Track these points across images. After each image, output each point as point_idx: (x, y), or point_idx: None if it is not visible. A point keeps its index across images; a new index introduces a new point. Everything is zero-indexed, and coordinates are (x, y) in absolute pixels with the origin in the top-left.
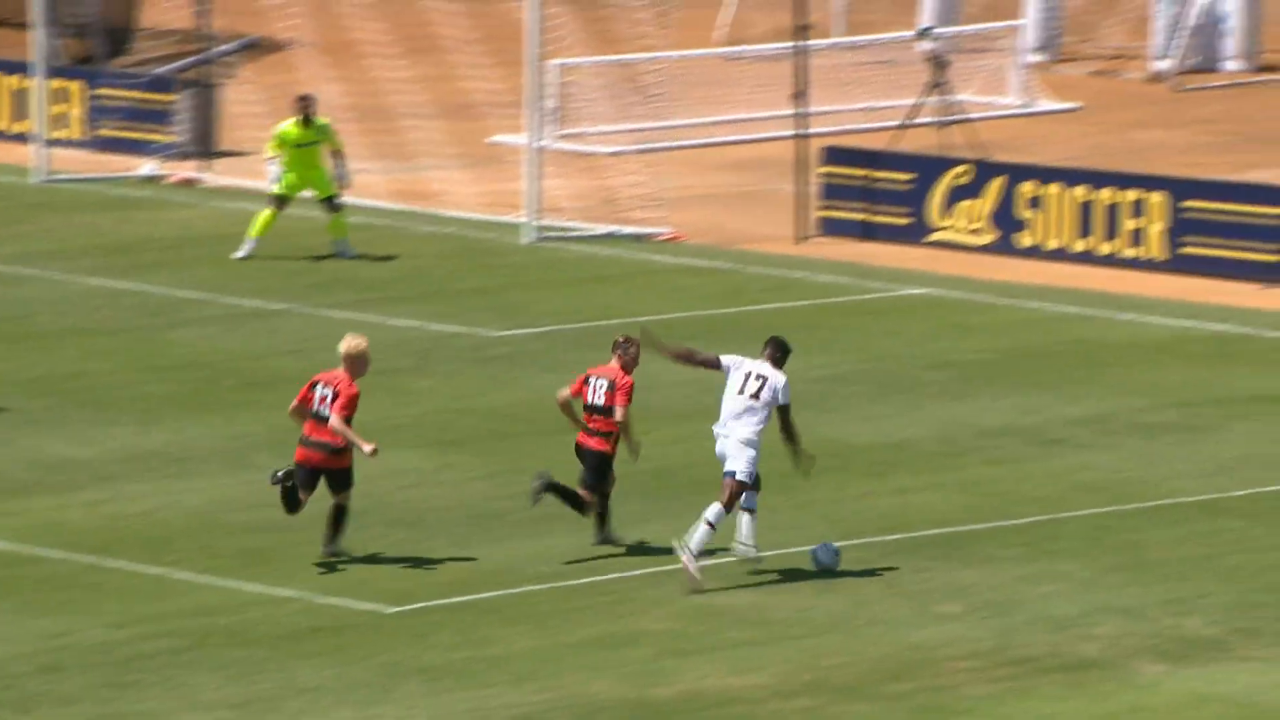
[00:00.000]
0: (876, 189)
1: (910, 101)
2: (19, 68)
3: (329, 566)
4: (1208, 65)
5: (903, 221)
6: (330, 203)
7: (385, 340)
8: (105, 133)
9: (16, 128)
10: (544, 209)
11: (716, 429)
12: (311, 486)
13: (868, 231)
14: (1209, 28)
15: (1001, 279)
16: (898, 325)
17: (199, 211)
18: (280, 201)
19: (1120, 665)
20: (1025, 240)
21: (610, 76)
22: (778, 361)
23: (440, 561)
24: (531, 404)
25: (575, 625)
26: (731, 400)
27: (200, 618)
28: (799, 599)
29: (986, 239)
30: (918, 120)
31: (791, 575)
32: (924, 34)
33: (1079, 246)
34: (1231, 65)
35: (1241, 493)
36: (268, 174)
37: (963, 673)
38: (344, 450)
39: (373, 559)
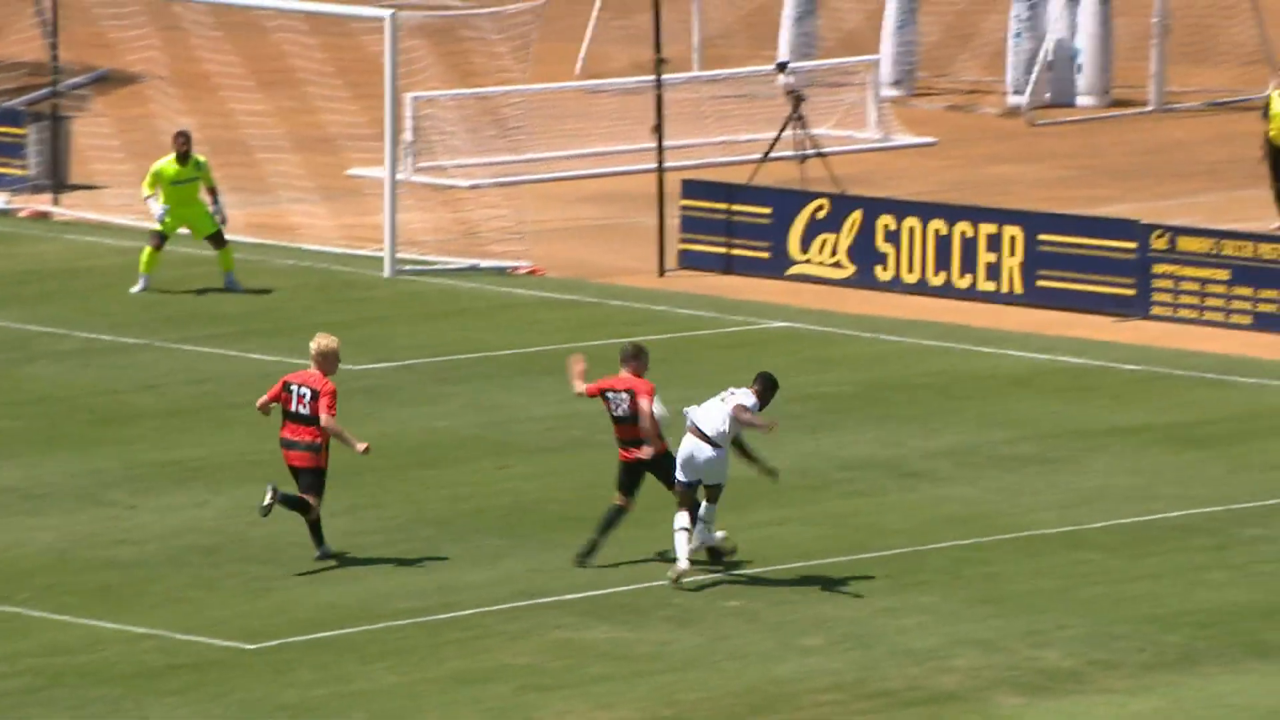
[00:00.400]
0: (736, 222)
1: (769, 135)
2: None
3: (186, 602)
4: (1061, 100)
5: (763, 255)
6: (214, 238)
7: (244, 374)
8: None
9: None
10: (403, 242)
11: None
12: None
13: (728, 265)
14: (1062, 63)
15: (861, 312)
16: (759, 358)
17: (52, 245)
18: (160, 238)
19: (979, 698)
20: (884, 273)
21: (469, 109)
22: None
23: (298, 598)
24: (392, 437)
25: (435, 661)
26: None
27: (54, 656)
28: (659, 633)
29: (845, 272)
30: (776, 154)
31: (651, 609)
32: (781, 68)
33: (937, 280)
34: (1084, 100)
35: (1100, 524)
36: (151, 211)
37: (824, 706)
38: (322, 450)
39: (230, 595)
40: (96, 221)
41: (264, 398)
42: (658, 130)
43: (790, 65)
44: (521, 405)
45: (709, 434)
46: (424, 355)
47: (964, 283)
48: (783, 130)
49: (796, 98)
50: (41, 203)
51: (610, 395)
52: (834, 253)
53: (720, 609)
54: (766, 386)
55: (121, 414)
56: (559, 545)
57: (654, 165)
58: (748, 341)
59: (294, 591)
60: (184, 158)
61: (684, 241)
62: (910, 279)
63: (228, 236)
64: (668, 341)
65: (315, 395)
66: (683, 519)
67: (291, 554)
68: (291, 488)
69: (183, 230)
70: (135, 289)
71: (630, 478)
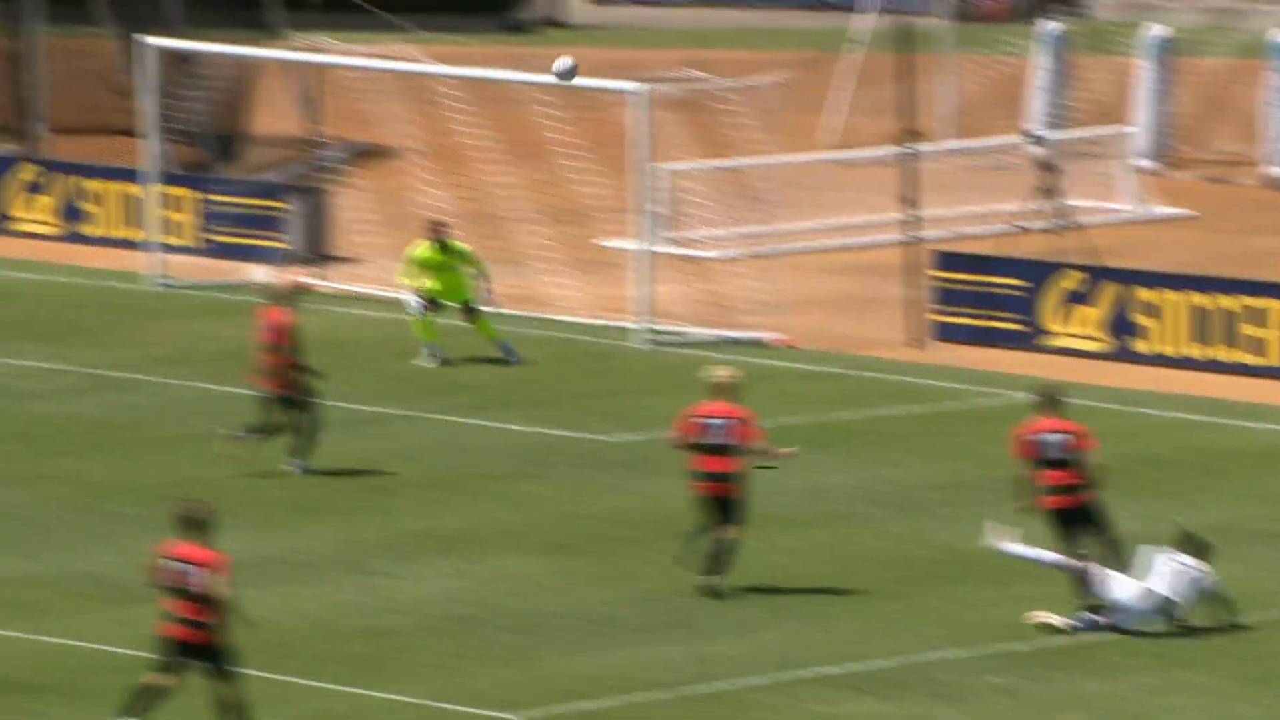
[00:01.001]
0: (989, 294)
1: (1020, 206)
2: (131, 175)
3: (447, 671)
4: None
5: (1016, 327)
6: (467, 309)
7: (500, 445)
8: (218, 239)
9: (130, 234)
10: (655, 314)
11: None
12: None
13: (981, 337)
14: None
15: (1118, 385)
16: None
17: (312, 318)
18: (431, 304)
19: None
20: (1141, 346)
21: (718, 181)
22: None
23: (556, 668)
24: (647, 509)
25: None
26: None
27: None
28: (920, 708)
29: (1102, 345)
30: (1029, 225)
31: (912, 683)
32: (1032, 139)
33: (1196, 353)
34: None
35: None
36: (408, 307)
37: None
38: (743, 479)
39: (489, 665)
40: (356, 294)
41: (671, 435)
42: (908, 201)
43: (1042, 135)
44: (776, 477)
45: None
46: None
47: (1225, 356)
48: (1035, 201)
49: (1049, 168)
50: (301, 275)
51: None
52: (1090, 325)
53: (982, 685)
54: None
55: (382, 484)
56: (817, 617)
57: (903, 236)
58: (1002, 415)
59: (552, 662)
60: (443, 247)
61: (935, 313)
62: (1169, 352)
63: (480, 308)
64: (921, 414)
65: (734, 424)
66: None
67: (549, 624)
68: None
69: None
70: (424, 361)
71: None
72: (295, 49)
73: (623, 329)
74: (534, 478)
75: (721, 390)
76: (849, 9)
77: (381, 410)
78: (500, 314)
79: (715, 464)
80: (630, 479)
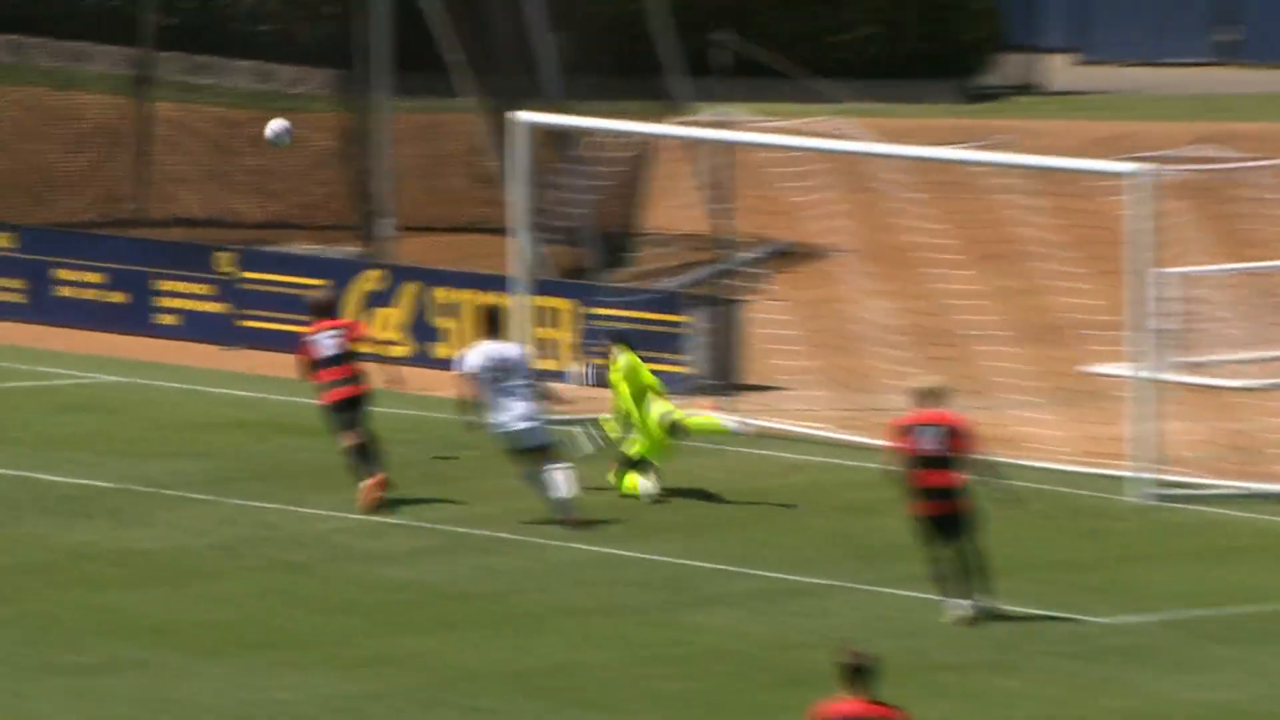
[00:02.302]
0: None
1: None
2: (496, 282)
3: None
4: None
5: None
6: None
7: (958, 628)
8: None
9: None
10: (1160, 459)
11: None
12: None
13: None
14: None
15: None
16: None
17: (720, 459)
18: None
19: None
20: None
21: (1243, 288)
22: None
23: None
24: (1150, 712)
25: None
26: None
27: None
28: None
29: None
30: None
31: None
32: None
33: None
34: None
35: None
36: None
37: None
38: (966, 492)
39: None
40: (775, 431)
41: (890, 444)
42: None
43: None
44: None
45: None
46: (1190, 605)
47: None
48: None
49: None
50: (706, 406)
51: None
52: None
53: None
54: None
55: (807, 674)
56: None
57: None
58: None
59: None
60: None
61: None
62: None
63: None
64: None
65: (951, 433)
66: None
67: None
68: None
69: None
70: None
71: None
72: (701, 125)
73: (1118, 479)
74: (1004, 669)
75: (931, 397)
76: None
77: (802, 579)
78: None
79: (935, 479)
80: (1129, 671)
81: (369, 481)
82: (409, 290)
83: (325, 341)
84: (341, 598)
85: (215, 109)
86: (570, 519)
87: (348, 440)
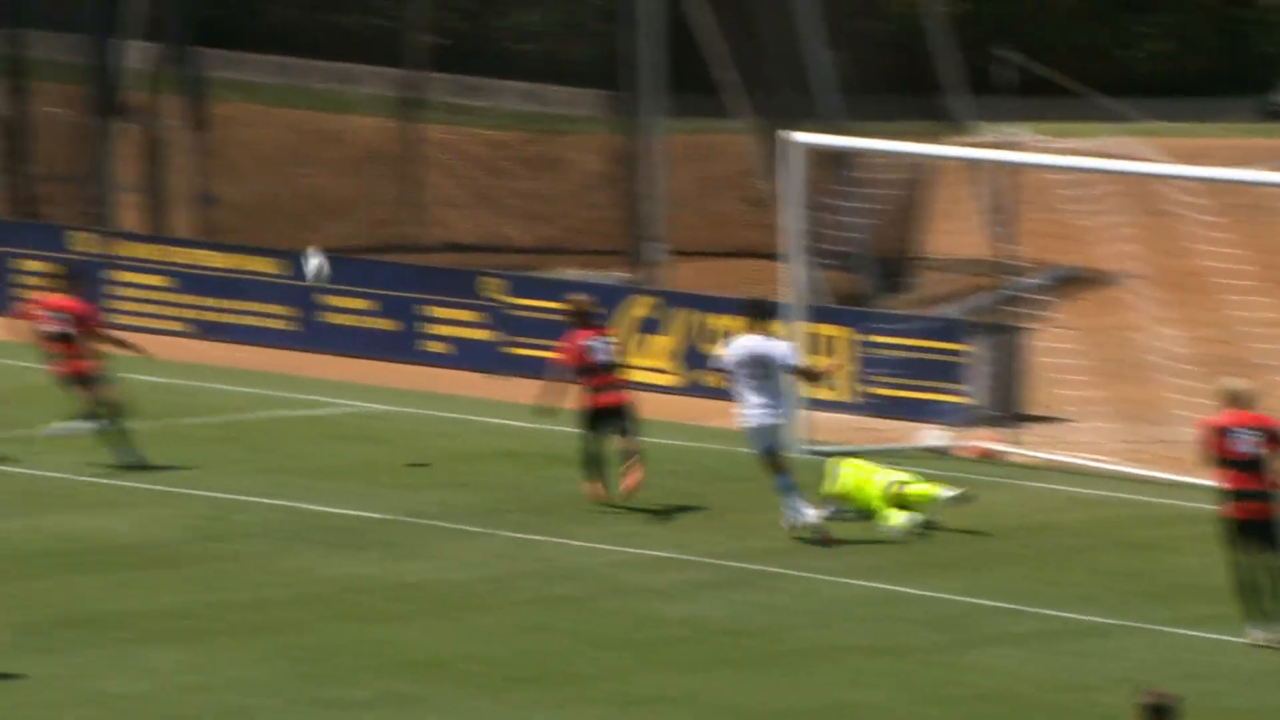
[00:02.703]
0: None
1: None
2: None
3: None
4: None
5: None
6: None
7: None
8: (877, 391)
9: None
10: None
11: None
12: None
13: None
14: None
15: None
16: None
17: (1003, 494)
18: None
19: None
20: None
21: None
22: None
23: None
24: None
25: None
26: None
27: None
28: None
29: None
30: None
31: None
32: None
33: None
34: None
35: None
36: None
37: None
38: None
39: None
40: (1060, 464)
41: (1202, 445)
42: None
43: None
44: None
45: None
46: None
47: None
48: None
49: None
50: (988, 439)
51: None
52: None
53: None
54: None
55: (1094, 717)
56: None
57: None
58: None
59: None
60: None
61: None
62: None
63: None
64: None
65: (1269, 436)
66: None
67: None
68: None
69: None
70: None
71: None
72: (983, 145)
73: None
74: None
75: (1243, 399)
76: None
77: (1090, 619)
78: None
79: (1248, 481)
80: None
81: (593, 485)
82: (679, 317)
83: (600, 347)
84: (614, 633)
85: (485, 131)
86: (823, 537)
87: (588, 443)
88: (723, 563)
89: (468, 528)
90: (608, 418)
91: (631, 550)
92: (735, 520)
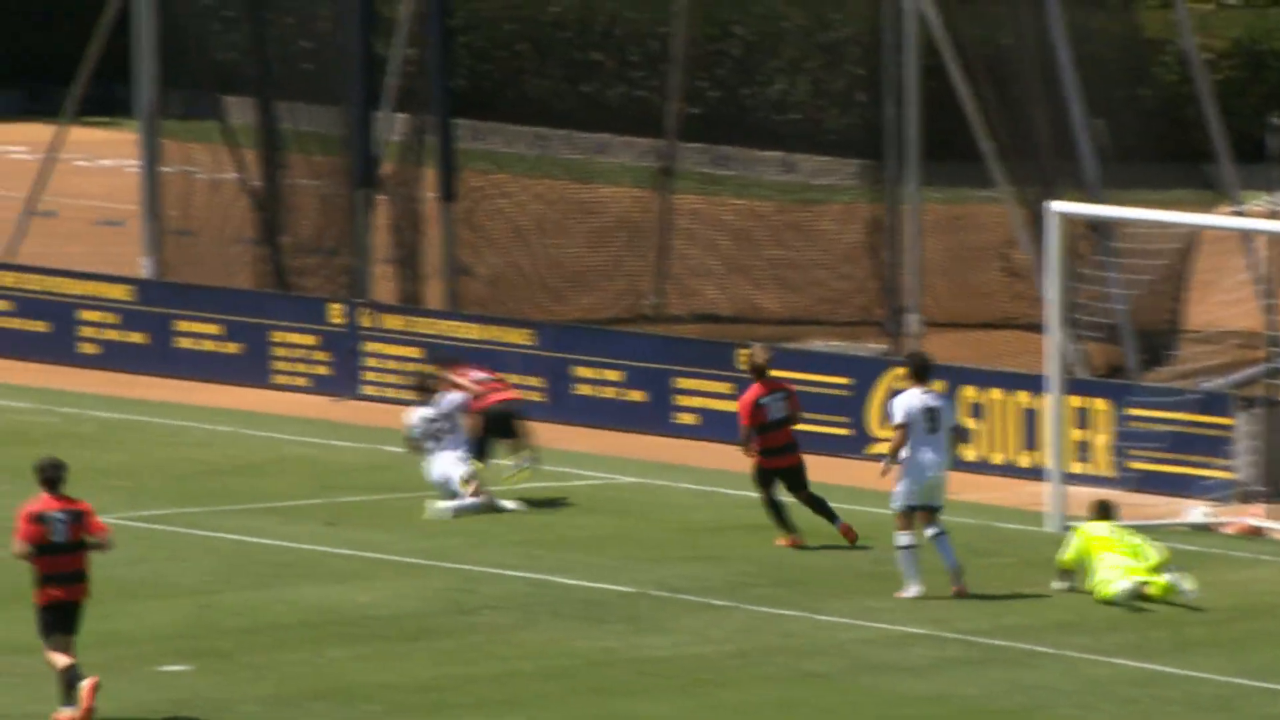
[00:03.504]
0: None
1: None
2: (1029, 381)
3: None
4: None
5: None
6: None
7: None
8: (1138, 465)
9: (1024, 459)
10: None
11: None
12: None
13: None
14: None
15: None
16: None
17: (1269, 570)
18: None
19: None
20: None
21: None
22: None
23: None
24: None
25: None
26: None
27: None
28: None
29: None
30: None
31: None
32: None
33: None
34: None
35: None
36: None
37: None
38: None
39: None
40: None
41: None
42: None
43: None
44: None
45: None
46: None
47: None
48: None
49: None
50: (1253, 516)
51: None
52: None
53: None
54: None
55: None
56: None
57: None
58: None
59: None
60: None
61: None
62: None
63: None
64: None
65: None
66: None
67: None
68: None
69: None
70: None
71: None
72: (1253, 214)
73: None
74: None
75: None
76: None
77: None
78: None
79: None
80: None
81: (787, 537)
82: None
83: (775, 405)
84: (863, 711)
85: (737, 200)
86: (958, 588)
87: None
88: (976, 639)
89: (714, 601)
90: (780, 476)
91: (881, 626)
92: (989, 596)
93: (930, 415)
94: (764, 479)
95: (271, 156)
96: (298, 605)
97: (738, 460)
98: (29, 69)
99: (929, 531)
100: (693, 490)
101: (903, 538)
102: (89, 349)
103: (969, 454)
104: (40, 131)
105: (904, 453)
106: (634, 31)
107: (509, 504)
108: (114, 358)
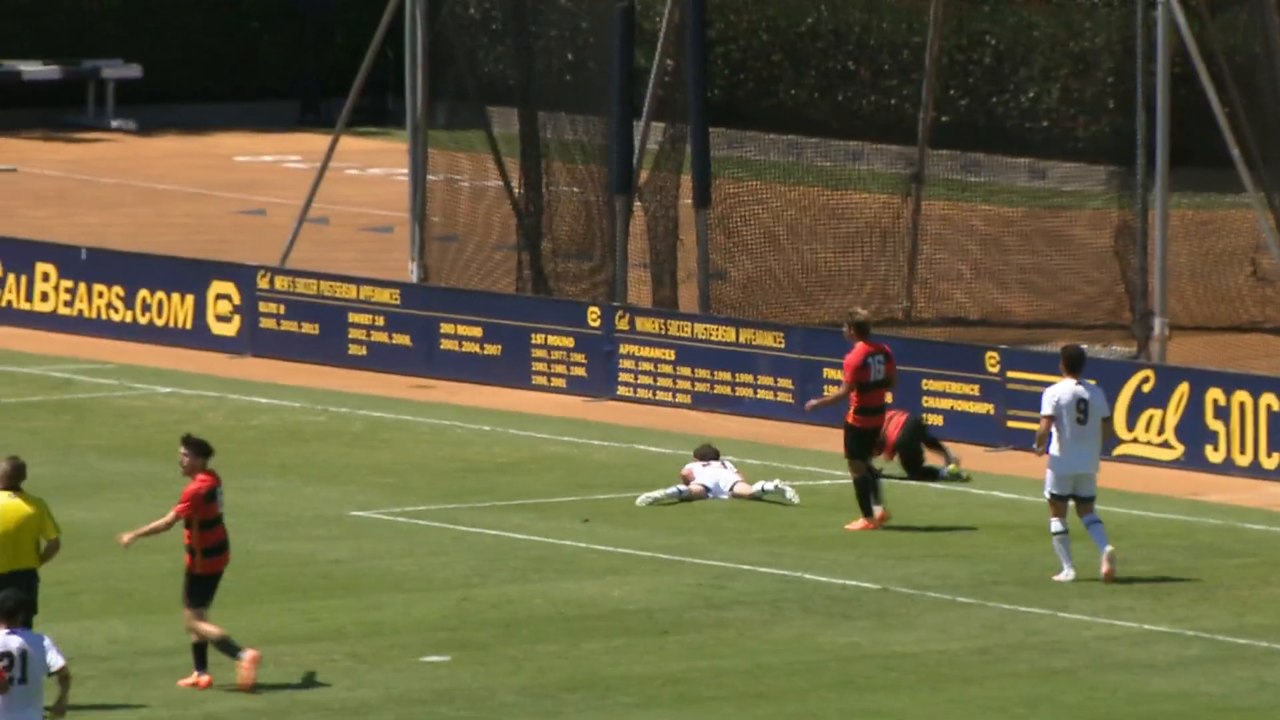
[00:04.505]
0: None
1: None
2: (1277, 385)
3: None
4: None
5: None
6: None
7: None
8: None
9: (1270, 461)
10: None
11: None
12: None
13: None
14: None
15: None
16: None
17: None
18: None
19: None
20: None
21: None
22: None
23: None
24: None
25: None
26: None
27: None
28: None
29: None
30: None
31: None
32: None
33: None
34: None
35: None
36: None
37: None
38: None
39: None
40: None
41: None
42: None
43: None
44: None
45: None
46: None
47: None
48: None
49: None
50: None
51: None
52: None
53: None
54: None
55: None
56: None
57: None
58: None
59: None
60: None
61: None
62: None
63: None
64: None
65: None
66: None
67: None
68: None
69: None
70: None
71: None
72: None
73: None
74: None
75: None
76: None
77: None
78: None
79: None
80: None
81: (866, 521)
82: (1180, 392)
83: (877, 366)
84: (1106, 709)
85: (987, 206)
86: (1108, 570)
87: (857, 471)
88: (1219, 638)
89: (959, 599)
90: (870, 440)
91: (1125, 624)
92: (1232, 595)
93: (1081, 406)
94: (859, 441)
95: (533, 165)
96: (554, 599)
97: (987, 461)
98: (305, 82)
99: (1084, 519)
100: (937, 490)
101: (1055, 524)
102: (357, 350)
103: (1214, 456)
104: (315, 141)
105: (1054, 444)
106: (887, 41)
107: (790, 494)
108: (381, 359)
